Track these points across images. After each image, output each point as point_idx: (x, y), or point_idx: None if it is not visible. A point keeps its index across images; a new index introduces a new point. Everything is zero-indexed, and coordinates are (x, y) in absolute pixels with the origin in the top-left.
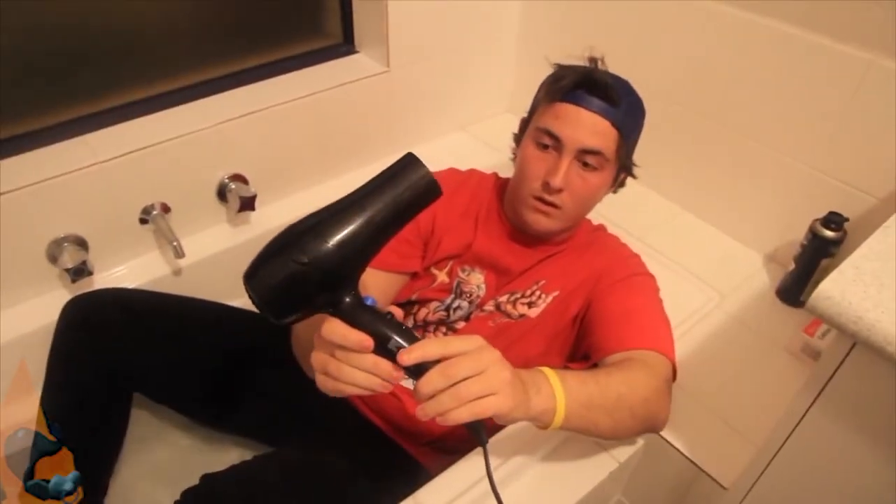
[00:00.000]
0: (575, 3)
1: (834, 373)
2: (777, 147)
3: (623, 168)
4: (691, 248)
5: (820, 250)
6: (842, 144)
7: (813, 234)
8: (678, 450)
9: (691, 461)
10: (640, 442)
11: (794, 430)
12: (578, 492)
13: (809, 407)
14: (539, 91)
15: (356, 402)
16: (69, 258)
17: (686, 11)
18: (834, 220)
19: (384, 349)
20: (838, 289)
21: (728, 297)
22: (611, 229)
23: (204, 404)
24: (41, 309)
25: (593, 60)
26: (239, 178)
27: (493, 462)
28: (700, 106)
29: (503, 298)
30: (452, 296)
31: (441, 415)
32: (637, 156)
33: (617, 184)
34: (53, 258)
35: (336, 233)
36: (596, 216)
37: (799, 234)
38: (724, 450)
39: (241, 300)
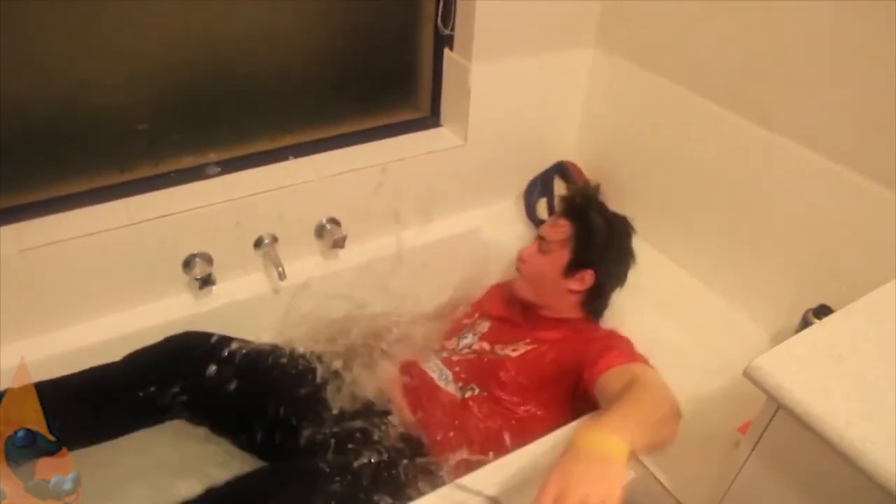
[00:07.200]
0: (635, 95)
1: (765, 428)
2: (789, 235)
3: (576, 263)
4: (703, 318)
5: None
6: (837, 251)
7: (805, 323)
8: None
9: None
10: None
11: (737, 474)
12: None
13: (749, 455)
14: None
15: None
16: (199, 270)
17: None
18: (823, 312)
19: None
20: (768, 363)
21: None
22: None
23: (250, 438)
24: (171, 306)
25: (593, 186)
26: (334, 222)
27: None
28: (731, 197)
29: (498, 346)
30: (468, 330)
31: None
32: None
33: (572, 274)
34: (188, 268)
35: None
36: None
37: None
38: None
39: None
